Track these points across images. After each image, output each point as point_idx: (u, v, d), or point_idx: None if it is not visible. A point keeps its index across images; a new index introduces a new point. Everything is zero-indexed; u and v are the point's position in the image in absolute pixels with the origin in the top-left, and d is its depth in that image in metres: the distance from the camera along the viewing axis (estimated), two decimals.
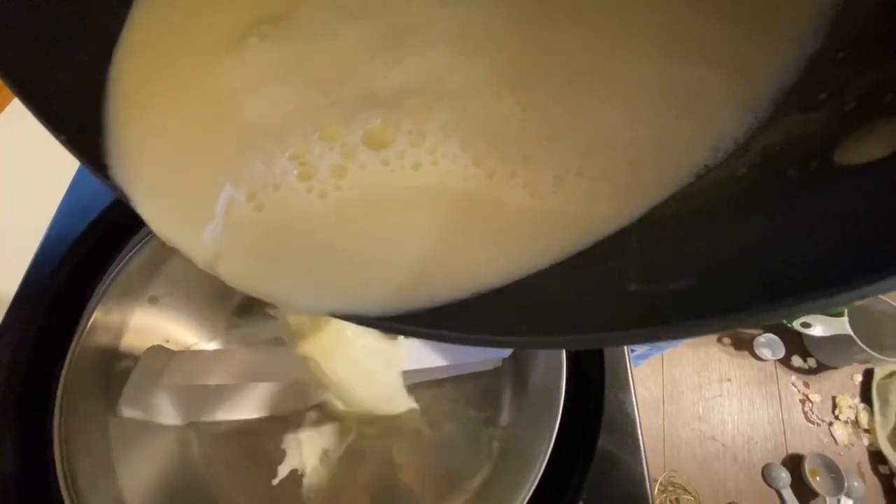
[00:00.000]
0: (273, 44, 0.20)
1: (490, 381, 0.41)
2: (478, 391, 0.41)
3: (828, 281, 0.09)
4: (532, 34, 0.19)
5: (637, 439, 0.28)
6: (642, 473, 0.27)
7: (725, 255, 0.13)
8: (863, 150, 0.12)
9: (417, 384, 0.43)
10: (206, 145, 0.19)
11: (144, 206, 0.19)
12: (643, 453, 0.27)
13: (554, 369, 0.30)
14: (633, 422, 0.28)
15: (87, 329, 0.31)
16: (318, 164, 0.18)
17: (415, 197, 0.17)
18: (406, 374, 0.39)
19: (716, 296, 0.11)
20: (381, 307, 0.16)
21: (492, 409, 0.40)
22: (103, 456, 0.30)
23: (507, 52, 0.19)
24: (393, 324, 0.16)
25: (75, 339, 0.30)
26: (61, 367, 0.30)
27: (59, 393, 0.29)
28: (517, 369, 0.40)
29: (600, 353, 0.31)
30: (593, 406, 0.28)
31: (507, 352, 0.39)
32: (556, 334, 0.14)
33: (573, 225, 0.17)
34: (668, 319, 0.11)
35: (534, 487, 0.25)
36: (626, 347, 0.32)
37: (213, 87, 0.20)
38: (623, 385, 0.29)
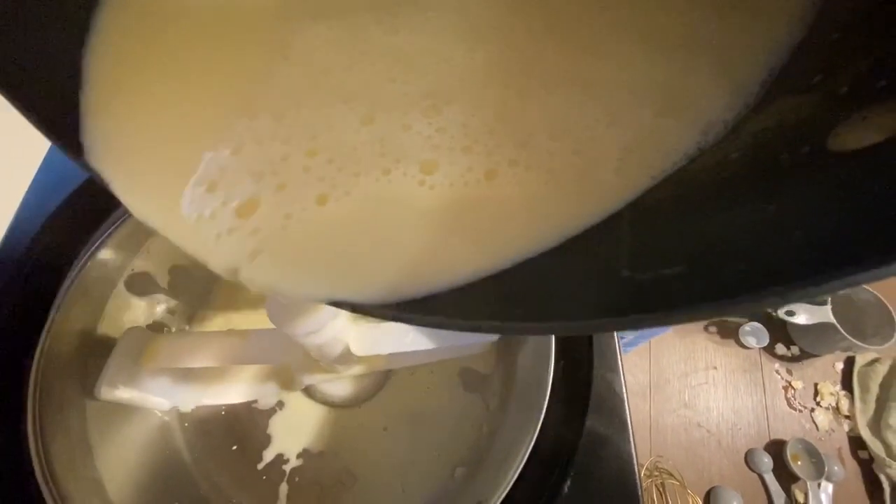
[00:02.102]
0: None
1: (479, 364, 0.41)
2: (468, 374, 0.41)
3: (819, 269, 0.09)
4: (499, 51, 0.19)
5: (625, 418, 0.28)
6: (630, 452, 0.27)
7: (717, 241, 0.13)
8: (856, 136, 0.12)
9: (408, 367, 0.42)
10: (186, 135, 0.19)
11: (124, 189, 0.18)
12: (631, 432, 0.27)
13: (543, 350, 0.30)
14: (622, 401, 0.28)
15: (62, 308, 0.30)
16: None
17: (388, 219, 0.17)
18: (393, 357, 0.39)
19: (707, 283, 0.11)
20: (377, 298, 0.16)
21: (481, 392, 0.39)
22: (80, 437, 0.29)
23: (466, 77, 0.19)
24: (390, 311, 0.16)
25: (50, 318, 0.29)
26: (35, 347, 0.29)
27: (32, 372, 0.28)
28: (506, 350, 0.39)
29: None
30: (582, 386, 0.28)
31: (496, 336, 0.38)
32: (548, 320, 0.14)
33: (551, 217, 0.17)
34: (660, 307, 0.11)
35: (521, 466, 0.25)
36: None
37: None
38: (611, 365, 0.29)
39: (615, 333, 0.31)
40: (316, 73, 0.20)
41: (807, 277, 0.09)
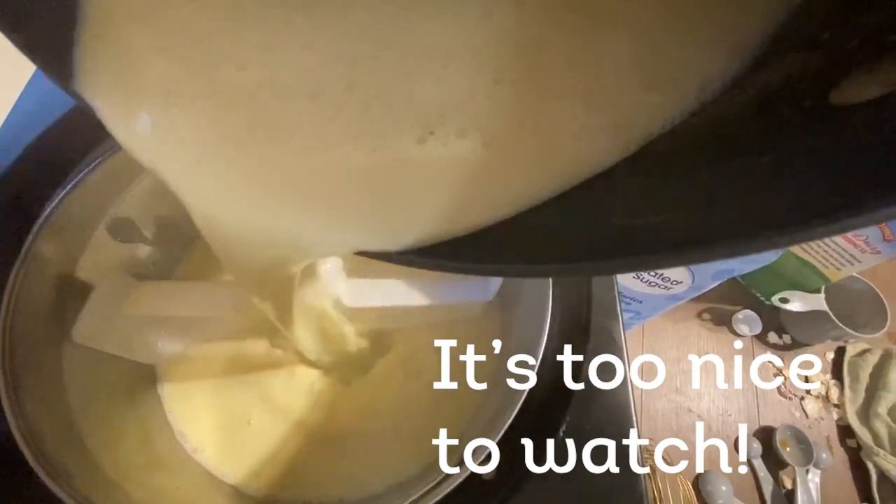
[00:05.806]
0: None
1: (478, 326, 0.40)
2: (466, 335, 0.40)
3: (811, 214, 0.09)
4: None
5: (623, 367, 0.27)
6: (627, 397, 0.26)
7: (708, 189, 0.13)
8: (858, 90, 0.12)
9: (404, 329, 0.41)
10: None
11: (114, 118, 0.18)
12: (629, 379, 0.27)
13: (541, 299, 0.29)
14: (620, 349, 0.27)
15: (36, 245, 0.29)
16: None
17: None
18: (384, 315, 0.38)
19: (695, 228, 0.11)
20: (392, 245, 0.17)
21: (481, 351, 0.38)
22: (53, 374, 0.28)
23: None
24: (399, 255, 0.17)
25: (22, 254, 0.28)
26: (6, 283, 0.27)
27: (3, 308, 0.26)
28: (502, 307, 0.38)
29: (588, 281, 0.29)
30: (580, 331, 0.27)
31: (490, 292, 0.37)
32: (540, 263, 0.15)
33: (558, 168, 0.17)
34: (645, 250, 0.12)
35: (519, 407, 0.24)
36: (614, 280, 0.31)
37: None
38: (610, 312, 0.28)
39: (614, 281, 0.30)
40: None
41: (797, 222, 0.09)
